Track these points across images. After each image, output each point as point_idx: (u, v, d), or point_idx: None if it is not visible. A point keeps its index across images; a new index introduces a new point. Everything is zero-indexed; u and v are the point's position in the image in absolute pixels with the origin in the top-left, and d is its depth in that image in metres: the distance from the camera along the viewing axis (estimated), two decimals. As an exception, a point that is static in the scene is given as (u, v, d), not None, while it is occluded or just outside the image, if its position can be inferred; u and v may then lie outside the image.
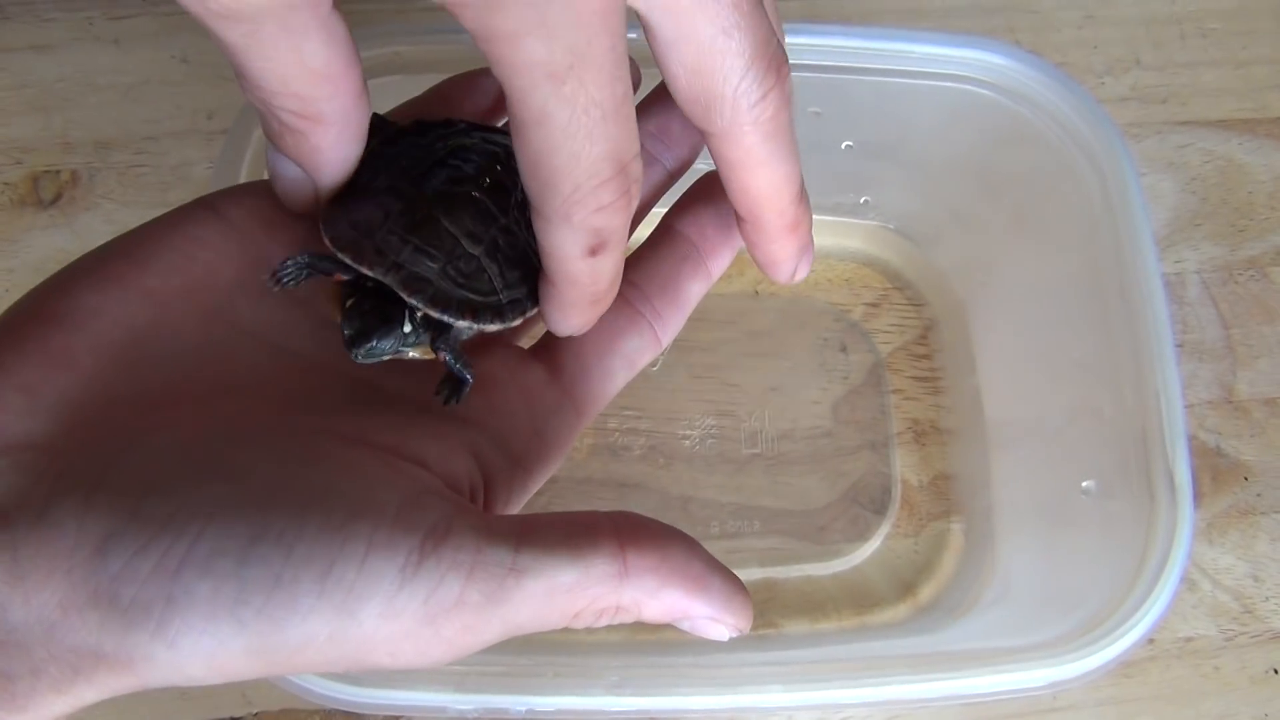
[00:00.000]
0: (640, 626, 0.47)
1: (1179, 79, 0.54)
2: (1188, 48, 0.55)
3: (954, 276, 0.51)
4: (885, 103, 0.44)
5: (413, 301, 0.26)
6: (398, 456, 0.25)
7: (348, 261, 0.26)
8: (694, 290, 0.32)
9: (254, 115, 0.39)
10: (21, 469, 0.22)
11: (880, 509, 0.49)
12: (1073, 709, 0.45)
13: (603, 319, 0.29)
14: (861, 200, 0.50)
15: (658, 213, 0.33)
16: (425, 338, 0.27)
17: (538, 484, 0.29)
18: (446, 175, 0.28)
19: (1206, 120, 0.54)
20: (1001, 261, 0.49)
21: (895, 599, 0.47)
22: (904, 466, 0.49)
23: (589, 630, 0.48)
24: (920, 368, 0.51)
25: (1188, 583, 0.47)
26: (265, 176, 0.28)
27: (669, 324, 0.32)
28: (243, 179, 0.38)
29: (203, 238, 0.27)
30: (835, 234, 0.52)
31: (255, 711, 0.43)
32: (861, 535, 0.48)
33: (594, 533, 0.25)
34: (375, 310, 0.26)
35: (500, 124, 0.32)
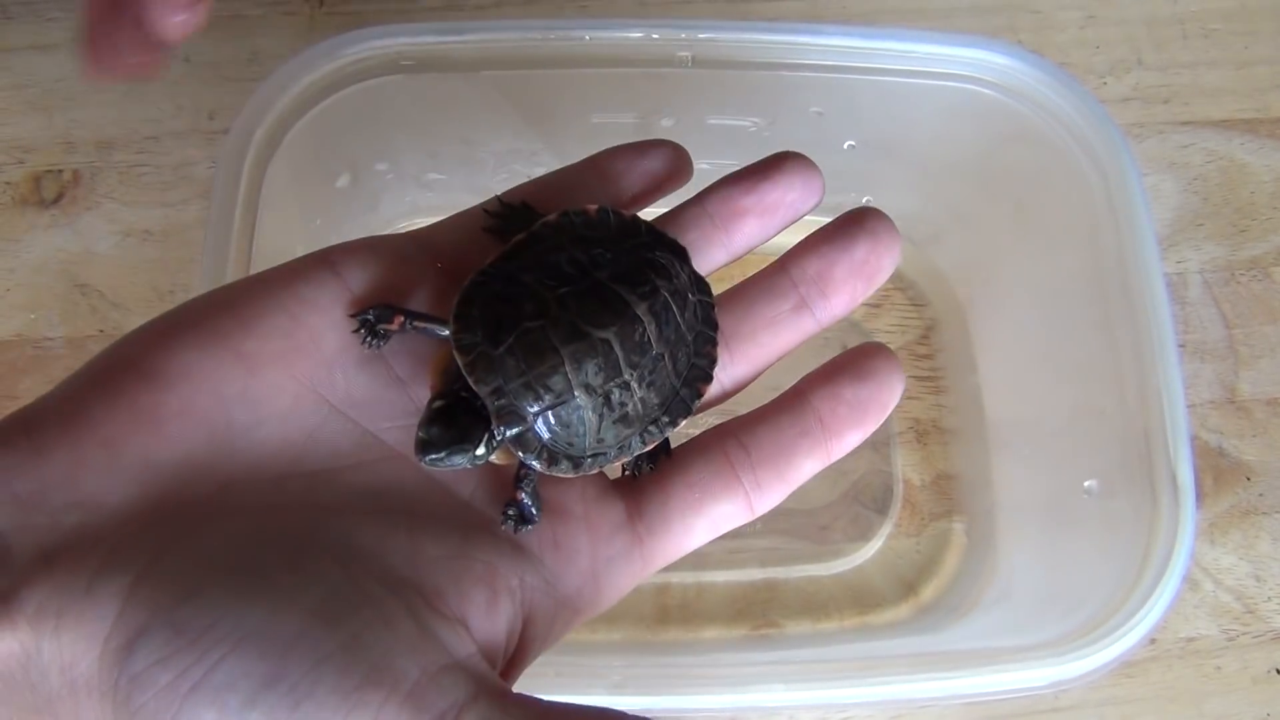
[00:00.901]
0: (642, 625, 0.47)
1: (1181, 79, 0.54)
2: (1189, 48, 0.55)
3: (955, 276, 0.51)
4: (887, 103, 0.44)
5: (499, 434, 0.26)
6: (438, 612, 0.24)
7: (459, 364, 0.26)
8: (806, 468, 0.29)
9: (255, 115, 0.39)
10: (84, 533, 0.23)
11: (882, 509, 0.49)
12: (1074, 709, 0.45)
13: (698, 472, 0.29)
14: (863, 200, 0.50)
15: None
16: (496, 455, 0.27)
17: (578, 624, 0.28)
18: (593, 307, 0.27)
19: (1208, 120, 0.54)
20: (1003, 261, 0.49)
21: (897, 598, 0.47)
22: (906, 466, 0.49)
23: (591, 629, 0.48)
24: (922, 367, 0.51)
25: (1189, 583, 0.47)
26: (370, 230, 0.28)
27: (768, 496, 0.29)
28: (244, 179, 0.38)
29: (314, 300, 0.26)
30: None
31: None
32: (863, 535, 0.48)
33: None
34: (458, 424, 0.26)
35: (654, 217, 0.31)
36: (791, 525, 0.48)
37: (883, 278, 0.30)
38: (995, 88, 0.42)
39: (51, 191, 0.50)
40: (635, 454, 0.28)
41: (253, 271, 0.33)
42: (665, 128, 0.45)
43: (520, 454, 0.26)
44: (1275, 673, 0.46)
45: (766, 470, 0.29)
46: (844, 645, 0.46)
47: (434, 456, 0.25)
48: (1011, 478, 0.47)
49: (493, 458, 0.26)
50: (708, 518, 0.29)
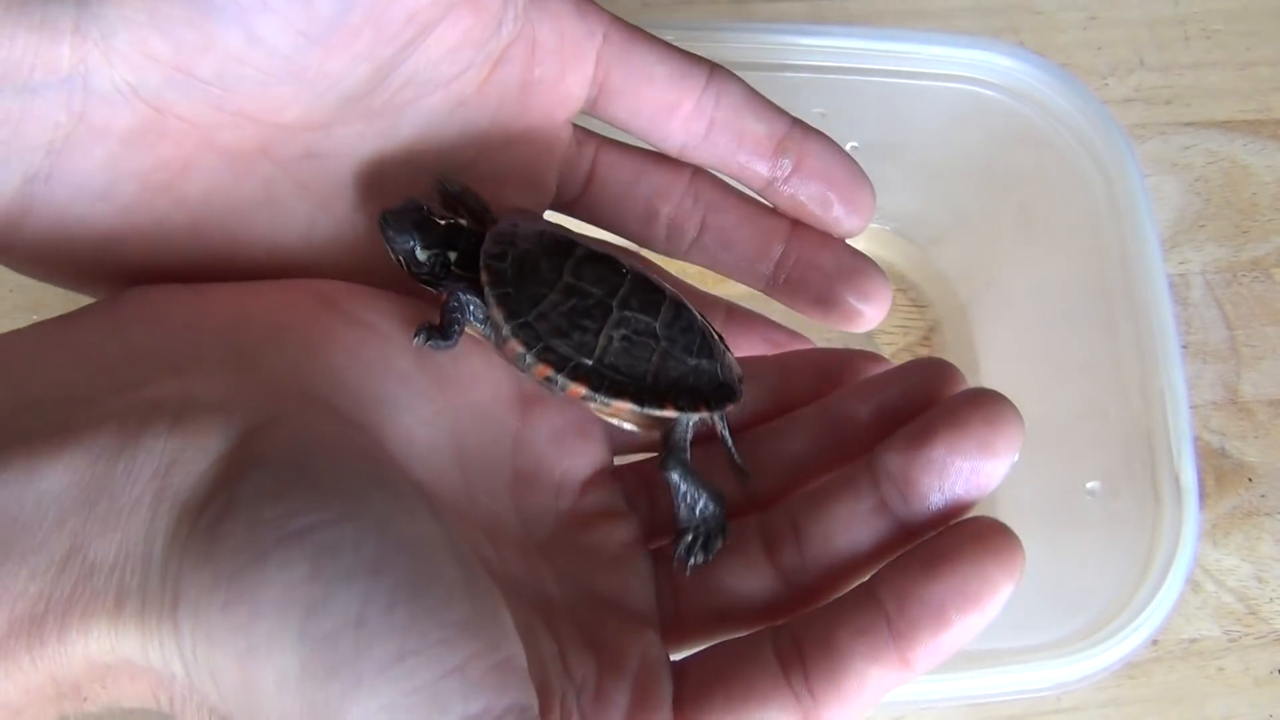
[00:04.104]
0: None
1: (1183, 80, 0.54)
2: (1191, 49, 0.55)
3: (957, 278, 0.51)
4: (889, 104, 0.44)
5: (486, 285, 0.27)
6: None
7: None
8: (871, 676, 0.23)
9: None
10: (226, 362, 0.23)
11: (884, 510, 0.49)
12: (1077, 710, 0.45)
13: (745, 674, 0.24)
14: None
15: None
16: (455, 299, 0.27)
17: None
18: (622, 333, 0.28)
19: (1210, 121, 0.53)
20: (1005, 263, 0.49)
21: (899, 600, 0.47)
22: (908, 467, 0.49)
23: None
24: (924, 369, 0.51)
25: (1192, 584, 0.47)
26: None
27: (824, 711, 0.23)
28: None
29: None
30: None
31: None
32: (865, 536, 0.48)
33: None
34: (424, 224, 0.27)
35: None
36: (793, 526, 0.48)
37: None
38: (997, 89, 0.42)
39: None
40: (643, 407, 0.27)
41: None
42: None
43: (486, 280, 0.27)
44: (1278, 674, 0.46)
45: (820, 676, 0.23)
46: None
47: (391, 220, 0.27)
48: (1014, 478, 0.47)
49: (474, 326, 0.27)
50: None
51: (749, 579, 0.26)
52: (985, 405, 0.25)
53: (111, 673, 0.21)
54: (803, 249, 0.32)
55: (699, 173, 0.32)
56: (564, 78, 0.29)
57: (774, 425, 0.29)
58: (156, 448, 0.21)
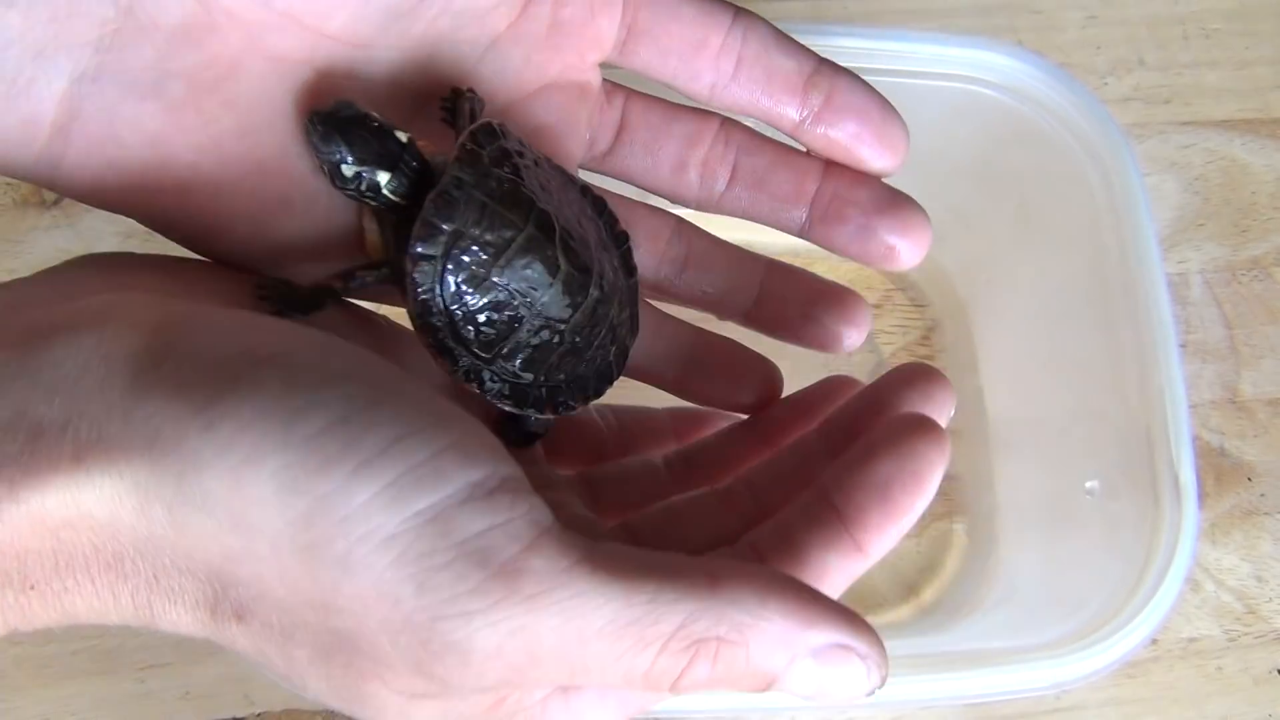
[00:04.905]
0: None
1: (1182, 79, 0.54)
2: (1190, 48, 0.55)
3: (957, 277, 0.51)
4: (888, 103, 0.44)
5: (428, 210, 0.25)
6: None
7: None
8: (830, 563, 0.25)
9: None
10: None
11: (883, 509, 0.49)
12: (1076, 709, 0.45)
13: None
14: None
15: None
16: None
17: None
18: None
19: (1209, 121, 0.53)
20: (1004, 262, 0.49)
21: (898, 600, 0.47)
22: (907, 467, 0.49)
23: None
24: (923, 368, 0.51)
25: (1191, 583, 0.47)
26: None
27: None
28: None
29: None
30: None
31: (258, 712, 0.43)
32: (864, 536, 0.48)
33: (670, 554, 0.22)
34: (355, 133, 0.25)
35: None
36: (793, 526, 0.48)
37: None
38: (996, 88, 0.42)
39: (53, 193, 0.50)
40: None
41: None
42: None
43: (411, 271, 0.25)
44: (1277, 673, 0.46)
45: (782, 569, 0.24)
46: (845, 646, 0.46)
47: (318, 122, 0.25)
48: (1013, 478, 0.47)
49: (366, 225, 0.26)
50: None
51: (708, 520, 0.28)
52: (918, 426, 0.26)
53: (65, 539, 0.20)
54: (838, 185, 0.31)
55: (729, 120, 0.32)
56: (594, 18, 0.29)
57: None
58: (93, 328, 0.21)
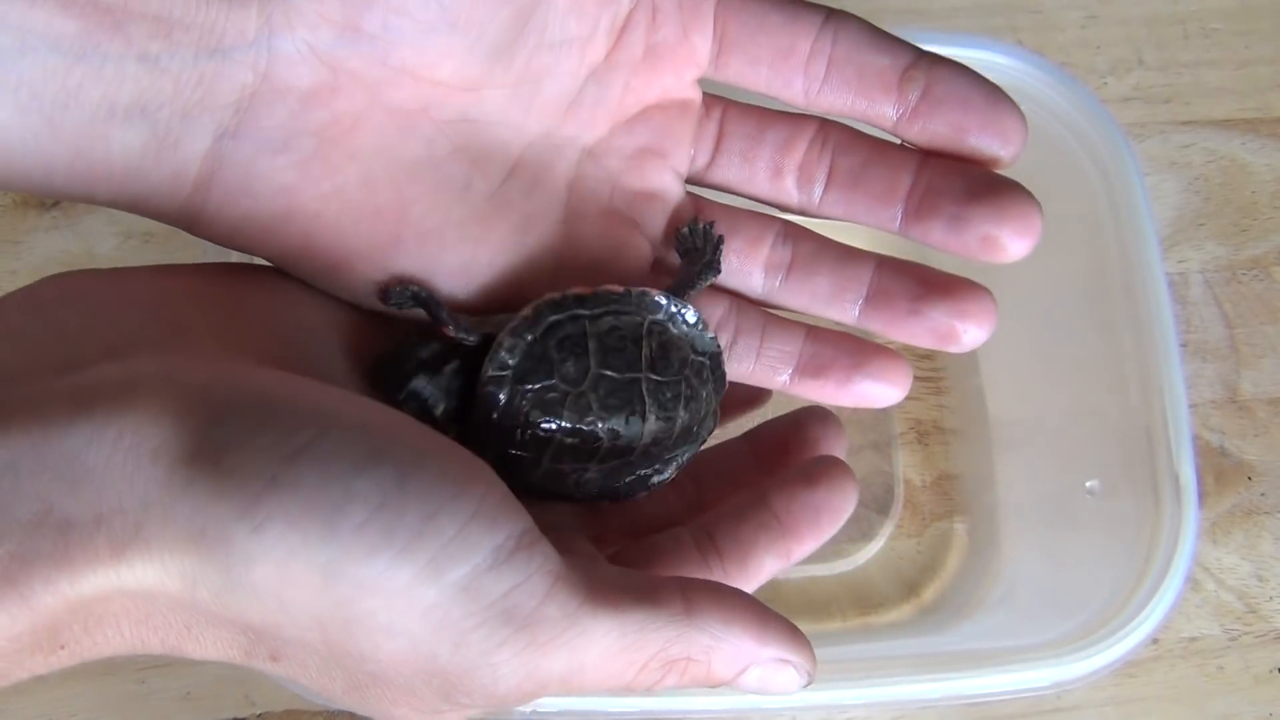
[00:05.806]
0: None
1: (1182, 79, 0.54)
2: (1190, 48, 0.55)
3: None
4: (888, 103, 0.44)
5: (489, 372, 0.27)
6: None
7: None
8: (766, 564, 0.29)
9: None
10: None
11: (883, 509, 0.49)
12: (1076, 709, 0.45)
13: (669, 550, 0.29)
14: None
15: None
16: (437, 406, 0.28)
17: None
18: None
19: (1209, 120, 0.54)
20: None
21: (899, 599, 0.47)
22: (907, 466, 0.49)
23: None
24: (923, 367, 0.51)
25: (1191, 583, 0.47)
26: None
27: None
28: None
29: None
30: (838, 234, 0.52)
31: (259, 713, 0.43)
32: (865, 535, 0.48)
33: (654, 579, 0.25)
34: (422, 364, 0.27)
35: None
36: (793, 526, 0.48)
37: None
38: (996, 88, 0.42)
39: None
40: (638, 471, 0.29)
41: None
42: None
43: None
44: (1277, 672, 0.46)
45: (732, 561, 0.29)
46: (846, 646, 0.46)
47: (384, 371, 0.27)
48: (1013, 478, 0.47)
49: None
50: None
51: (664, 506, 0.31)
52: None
53: (97, 610, 0.21)
54: (933, 176, 0.30)
55: (828, 122, 0.31)
56: (687, 37, 0.30)
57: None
58: (113, 418, 0.21)
